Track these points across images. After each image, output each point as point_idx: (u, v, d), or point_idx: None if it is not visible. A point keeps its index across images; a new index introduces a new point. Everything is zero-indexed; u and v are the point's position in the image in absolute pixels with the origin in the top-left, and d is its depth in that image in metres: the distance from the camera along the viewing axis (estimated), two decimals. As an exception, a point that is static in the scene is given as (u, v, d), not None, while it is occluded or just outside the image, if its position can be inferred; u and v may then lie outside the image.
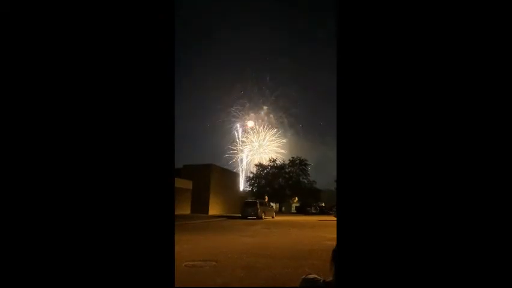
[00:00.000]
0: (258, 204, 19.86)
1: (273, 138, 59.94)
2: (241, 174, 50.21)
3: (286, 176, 40.03)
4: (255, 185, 39.54)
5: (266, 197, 30.67)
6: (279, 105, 63.64)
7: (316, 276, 1.52)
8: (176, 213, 19.18)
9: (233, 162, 57.69)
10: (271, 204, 28.88)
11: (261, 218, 19.00)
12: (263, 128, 60.60)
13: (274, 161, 41.92)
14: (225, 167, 38.79)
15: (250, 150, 59.36)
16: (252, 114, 62.05)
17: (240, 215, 20.25)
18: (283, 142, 59.02)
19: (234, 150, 59.52)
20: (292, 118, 65.96)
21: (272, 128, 60.62)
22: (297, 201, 41.29)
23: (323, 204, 39.66)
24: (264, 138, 60.09)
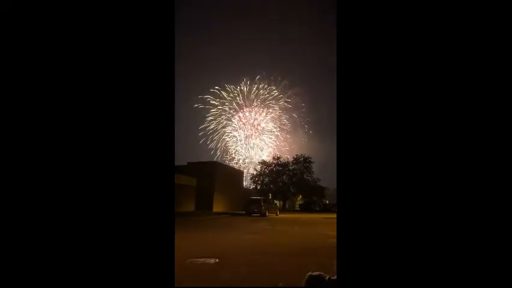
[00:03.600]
0: (262, 202, 19.87)
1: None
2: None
3: (290, 173, 40.05)
4: (259, 182, 39.65)
5: (270, 195, 30.71)
6: (290, 104, 63.69)
7: (321, 273, 1.53)
8: (180, 210, 19.28)
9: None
10: (275, 201, 28.89)
11: (265, 215, 19.01)
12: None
13: (279, 158, 41.95)
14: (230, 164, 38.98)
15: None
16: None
17: (243, 212, 20.30)
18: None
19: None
20: (303, 118, 66.12)
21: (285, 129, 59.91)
22: (301, 199, 41.32)
23: (327, 202, 39.67)
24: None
